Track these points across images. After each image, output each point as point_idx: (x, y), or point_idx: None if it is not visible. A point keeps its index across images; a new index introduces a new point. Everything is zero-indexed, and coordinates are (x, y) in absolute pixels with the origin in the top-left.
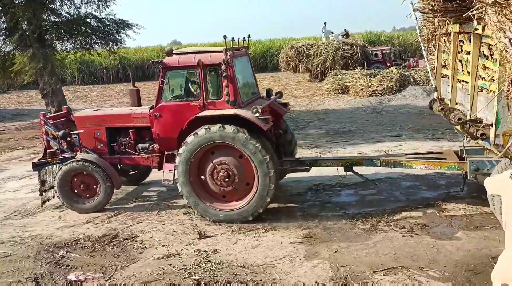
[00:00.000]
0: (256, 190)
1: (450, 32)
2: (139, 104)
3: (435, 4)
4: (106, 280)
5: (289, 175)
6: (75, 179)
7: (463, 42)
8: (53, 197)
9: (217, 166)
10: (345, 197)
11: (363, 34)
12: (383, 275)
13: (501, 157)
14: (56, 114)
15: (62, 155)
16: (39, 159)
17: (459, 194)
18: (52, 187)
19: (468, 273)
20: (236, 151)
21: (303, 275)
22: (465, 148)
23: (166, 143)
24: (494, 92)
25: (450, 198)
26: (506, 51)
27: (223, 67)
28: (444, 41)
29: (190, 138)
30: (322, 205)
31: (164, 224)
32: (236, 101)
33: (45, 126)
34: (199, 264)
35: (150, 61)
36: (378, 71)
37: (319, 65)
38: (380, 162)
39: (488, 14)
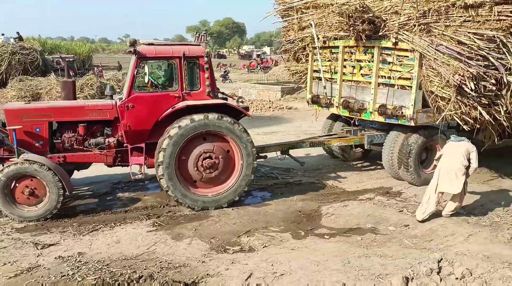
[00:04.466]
0: (238, 177)
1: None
2: (74, 98)
3: (357, 25)
4: None
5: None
6: (17, 184)
7: (352, 53)
8: None
9: (202, 154)
10: (153, 190)
11: (38, 40)
12: (247, 237)
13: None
14: None
15: None
16: None
17: None
18: None
19: (294, 224)
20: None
21: (187, 252)
22: (351, 129)
23: (136, 136)
24: (401, 86)
25: None
26: (436, 59)
27: (205, 59)
28: (320, 53)
29: (173, 131)
30: (137, 200)
31: None
32: (214, 92)
33: None
34: (78, 268)
35: (127, 51)
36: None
37: None
38: (308, 144)
39: (401, 34)
